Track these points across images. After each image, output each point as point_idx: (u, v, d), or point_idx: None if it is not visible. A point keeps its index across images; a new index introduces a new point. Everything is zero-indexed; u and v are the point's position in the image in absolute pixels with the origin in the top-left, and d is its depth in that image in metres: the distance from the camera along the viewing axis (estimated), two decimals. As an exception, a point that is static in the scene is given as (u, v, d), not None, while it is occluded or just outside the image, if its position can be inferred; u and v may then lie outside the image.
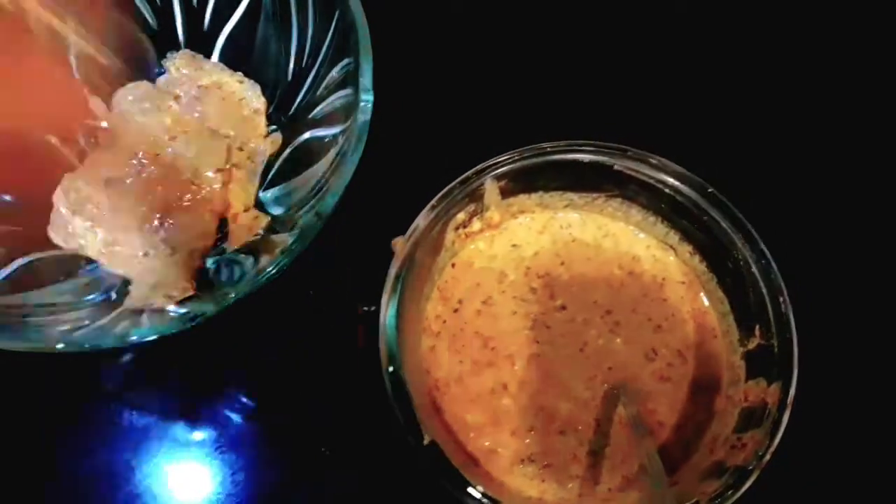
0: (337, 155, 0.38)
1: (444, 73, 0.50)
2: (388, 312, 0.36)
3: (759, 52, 0.52)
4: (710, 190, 0.38)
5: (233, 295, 0.34)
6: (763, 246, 0.37)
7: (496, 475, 0.36)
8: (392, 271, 0.37)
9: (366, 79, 0.37)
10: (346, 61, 0.39)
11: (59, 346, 0.35)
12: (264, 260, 0.37)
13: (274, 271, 0.35)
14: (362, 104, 0.36)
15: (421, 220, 0.38)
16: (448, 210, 0.39)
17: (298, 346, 0.44)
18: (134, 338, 0.34)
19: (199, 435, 0.42)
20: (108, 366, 0.43)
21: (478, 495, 0.32)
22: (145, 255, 0.41)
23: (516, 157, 0.39)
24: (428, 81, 0.49)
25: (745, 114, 0.50)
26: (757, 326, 0.37)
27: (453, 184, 0.39)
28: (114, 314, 0.38)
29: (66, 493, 0.40)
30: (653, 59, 0.51)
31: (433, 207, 0.38)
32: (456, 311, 0.40)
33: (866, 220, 0.47)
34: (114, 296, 0.41)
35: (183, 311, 0.34)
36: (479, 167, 0.39)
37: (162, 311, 0.38)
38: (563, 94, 0.50)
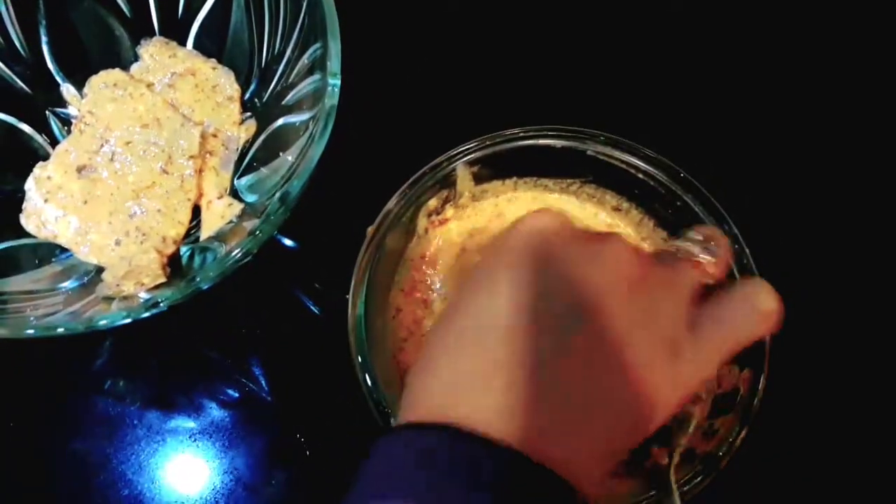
0: (307, 141, 0.38)
1: (416, 58, 0.50)
2: (356, 300, 0.36)
3: (731, 36, 0.51)
4: (682, 174, 0.38)
5: (198, 279, 0.34)
6: (736, 230, 0.37)
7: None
8: (361, 259, 0.37)
9: (333, 63, 0.36)
10: (315, 46, 0.39)
11: (29, 331, 0.35)
12: (233, 246, 0.37)
13: (239, 255, 0.35)
14: (329, 89, 0.36)
15: (391, 207, 0.38)
16: (419, 196, 0.38)
17: (273, 334, 0.44)
18: (102, 323, 0.34)
19: (175, 423, 0.42)
20: (84, 354, 0.43)
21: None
22: (117, 243, 0.41)
23: (488, 143, 0.39)
24: (401, 67, 0.49)
25: (717, 98, 0.49)
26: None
27: (424, 169, 0.38)
28: (85, 301, 0.38)
29: (42, 480, 0.41)
30: (624, 44, 0.51)
31: (403, 193, 0.38)
32: (426, 296, 0.40)
33: (840, 205, 0.47)
34: (87, 283, 0.41)
35: (147, 296, 0.34)
36: (450, 153, 0.39)
37: (133, 297, 0.38)
38: (536, 79, 0.49)
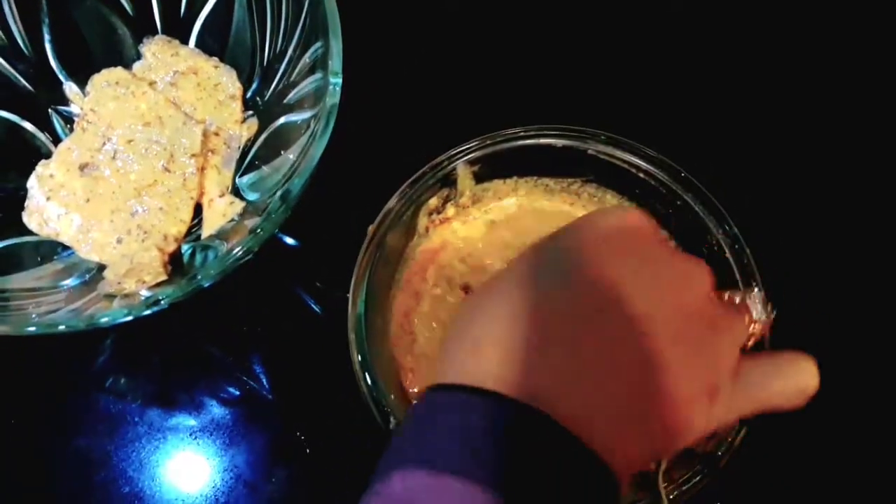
0: (308, 139, 0.38)
1: (417, 57, 0.50)
2: (357, 299, 0.36)
3: (731, 35, 0.51)
4: (683, 174, 0.38)
5: (199, 277, 0.34)
6: (736, 230, 0.37)
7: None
8: (361, 258, 0.37)
9: (334, 62, 0.36)
10: (316, 45, 0.39)
11: (31, 328, 0.35)
12: (234, 244, 0.37)
13: (240, 253, 0.35)
14: (331, 87, 0.36)
15: (391, 205, 0.38)
16: (420, 195, 0.39)
17: (274, 333, 0.44)
18: (103, 320, 0.34)
19: (176, 421, 0.42)
20: (85, 352, 0.44)
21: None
22: (119, 241, 0.41)
23: (489, 142, 0.39)
24: (402, 66, 0.49)
25: (717, 98, 0.49)
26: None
27: (424, 168, 0.39)
28: (87, 298, 0.39)
29: (43, 477, 0.41)
30: (625, 43, 0.51)
31: (404, 192, 0.38)
32: (426, 294, 0.40)
33: (840, 205, 0.46)
34: (88, 281, 0.41)
35: (148, 294, 0.34)
36: (451, 152, 0.39)
37: (134, 295, 0.38)
38: (536, 79, 0.49)
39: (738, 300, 0.30)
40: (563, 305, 0.25)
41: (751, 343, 0.30)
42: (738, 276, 0.36)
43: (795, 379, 0.28)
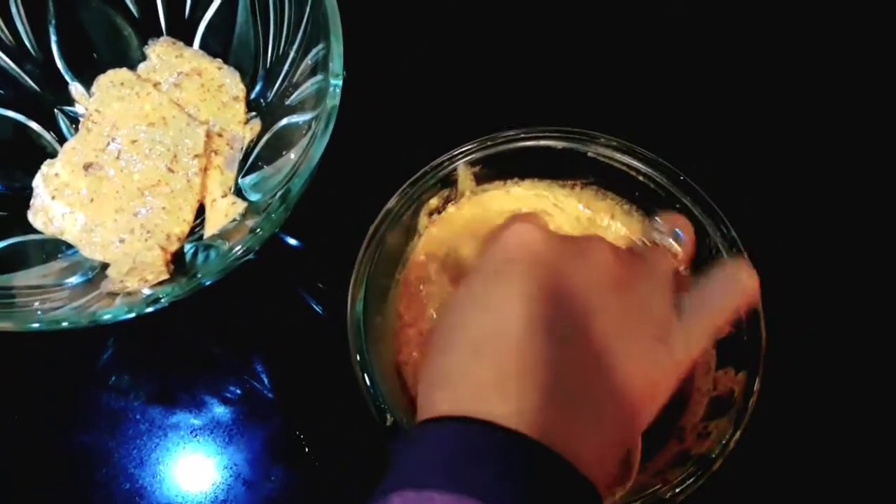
0: (309, 140, 0.38)
1: (418, 58, 0.50)
2: (356, 299, 0.36)
3: (730, 38, 0.52)
4: (682, 177, 0.38)
5: (200, 276, 0.35)
6: (734, 233, 0.37)
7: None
8: (360, 258, 0.37)
9: (335, 64, 0.37)
10: (318, 48, 0.39)
11: (34, 325, 0.35)
12: (235, 243, 0.37)
13: (241, 252, 0.35)
14: (331, 89, 0.36)
15: (391, 205, 0.38)
16: (420, 195, 0.39)
17: (275, 332, 0.44)
18: (105, 318, 0.35)
19: (177, 419, 0.42)
20: (88, 350, 0.44)
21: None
22: (122, 240, 0.42)
23: (489, 143, 0.39)
24: (403, 67, 0.49)
25: (717, 101, 0.49)
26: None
27: (425, 168, 0.39)
28: (90, 296, 0.39)
29: (45, 474, 0.41)
30: (625, 46, 0.51)
31: (404, 192, 0.38)
32: (425, 295, 0.40)
33: (839, 208, 0.46)
34: (92, 279, 0.41)
35: (149, 292, 0.35)
36: (451, 152, 0.39)
37: (136, 293, 0.38)
38: (537, 81, 0.50)
39: (649, 241, 0.31)
40: (512, 342, 0.26)
41: (684, 266, 0.32)
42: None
43: (731, 281, 0.29)
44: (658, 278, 0.29)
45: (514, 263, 0.28)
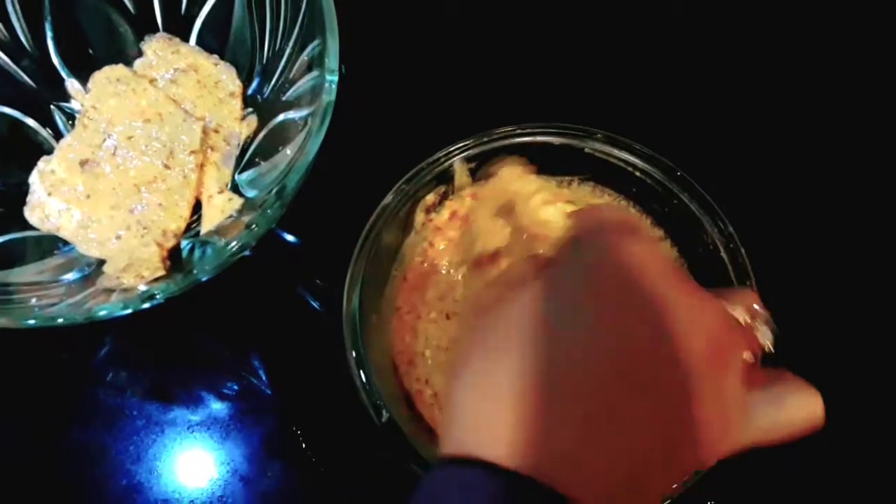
0: (305, 137, 0.38)
1: (415, 54, 0.50)
2: (351, 295, 0.36)
3: (729, 34, 0.51)
4: (679, 173, 0.38)
5: (195, 272, 0.35)
6: (731, 229, 0.37)
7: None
8: (356, 254, 0.37)
9: (331, 60, 0.37)
10: (314, 44, 0.39)
11: (30, 321, 0.35)
12: (230, 239, 0.37)
13: (236, 248, 0.35)
14: (327, 85, 0.36)
15: (387, 201, 0.38)
16: (416, 191, 0.39)
17: (272, 329, 0.44)
18: (101, 314, 0.35)
19: (174, 415, 0.42)
20: (86, 346, 0.44)
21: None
22: (118, 236, 0.42)
23: (485, 139, 0.39)
24: (400, 63, 0.49)
25: (713, 96, 0.49)
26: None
27: (421, 165, 0.39)
28: (87, 292, 0.39)
29: (41, 470, 0.41)
30: (622, 42, 0.51)
31: (400, 188, 0.38)
32: (423, 292, 0.40)
33: (837, 204, 0.46)
34: (88, 275, 0.41)
35: (145, 288, 0.35)
36: (448, 149, 0.39)
37: (132, 290, 0.38)
38: (534, 76, 0.50)
39: (743, 320, 0.28)
40: (578, 368, 0.23)
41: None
42: (732, 274, 0.37)
43: (807, 415, 0.27)
44: (742, 366, 0.26)
45: (595, 270, 0.25)
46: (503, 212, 0.38)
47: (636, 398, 0.23)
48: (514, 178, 0.39)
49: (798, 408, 0.28)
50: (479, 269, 0.38)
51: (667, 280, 0.25)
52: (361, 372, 0.35)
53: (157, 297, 0.34)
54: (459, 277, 0.40)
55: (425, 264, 0.41)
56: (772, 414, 0.27)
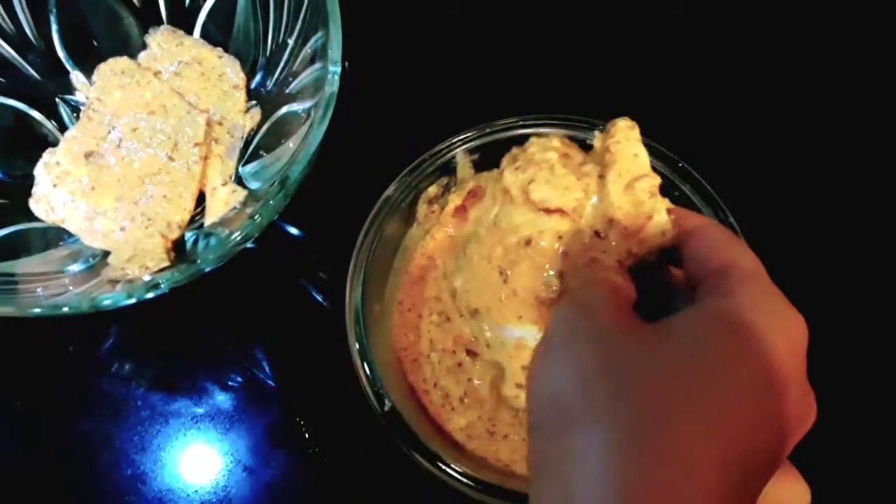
0: (308, 128, 0.38)
1: (418, 46, 0.50)
2: (354, 286, 0.36)
3: (731, 26, 0.51)
4: (680, 164, 0.38)
5: (199, 262, 0.35)
6: (733, 219, 0.37)
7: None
8: (359, 246, 0.37)
9: (334, 51, 0.37)
10: (317, 36, 0.39)
11: (36, 310, 0.35)
12: (234, 229, 0.37)
13: (239, 239, 0.35)
14: (330, 76, 0.36)
15: (389, 193, 0.38)
16: (419, 182, 0.39)
17: (276, 321, 0.44)
18: (105, 303, 0.35)
19: (178, 405, 0.42)
20: (91, 337, 0.44)
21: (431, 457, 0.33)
22: (123, 228, 0.42)
23: (488, 130, 0.39)
24: (402, 55, 0.49)
25: (715, 89, 0.49)
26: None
27: (424, 156, 0.39)
28: (91, 283, 0.39)
29: (46, 459, 0.41)
30: (625, 34, 0.51)
31: (403, 180, 0.38)
32: (420, 285, 0.40)
33: (838, 197, 0.46)
34: (93, 266, 0.41)
35: (149, 278, 0.35)
36: (450, 140, 0.39)
37: (137, 280, 0.39)
38: (538, 68, 0.50)
39: None
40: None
41: None
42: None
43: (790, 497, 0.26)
44: None
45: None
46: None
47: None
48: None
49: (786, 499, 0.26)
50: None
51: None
52: (365, 363, 0.35)
53: (162, 286, 0.34)
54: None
55: (426, 257, 0.41)
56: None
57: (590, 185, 0.30)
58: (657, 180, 0.29)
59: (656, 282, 0.29)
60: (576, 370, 0.23)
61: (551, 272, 0.30)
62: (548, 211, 0.31)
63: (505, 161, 0.34)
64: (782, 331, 0.23)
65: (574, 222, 0.30)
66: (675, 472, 0.20)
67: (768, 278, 0.25)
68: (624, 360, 0.22)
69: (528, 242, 0.31)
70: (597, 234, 0.30)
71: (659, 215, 0.28)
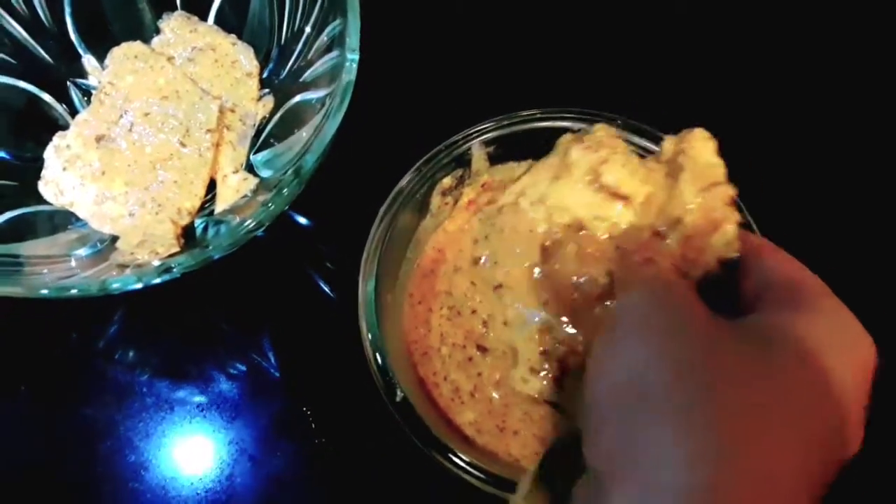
0: (323, 117, 0.38)
1: (435, 37, 0.50)
2: (367, 277, 0.36)
3: (739, 22, 0.51)
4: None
5: (210, 248, 0.34)
6: (747, 215, 0.37)
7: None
8: (372, 236, 0.37)
9: (352, 39, 0.37)
10: (335, 24, 0.39)
11: (44, 291, 0.35)
12: (245, 216, 0.37)
13: (252, 226, 0.35)
14: (347, 64, 0.36)
15: (404, 184, 0.38)
16: (433, 174, 0.39)
17: (284, 310, 0.44)
18: (114, 286, 0.34)
19: (183, 393, 0.42)
20: (97, 323, 0.44)
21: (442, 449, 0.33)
22: (132, 213, 0.42)
23: (505, 123, 0.39)
24: (419, 45, 0.49)
25: (722, 80, 0.49)
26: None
27: (439, 147, 0.39)
28: (99, 268, 0.39)
29: (50, 444, 0.41)
30: (645, 28, 0.51)
31: (418, 170, 0.38)
32: (431, 278, 0.40)
33: (843, 194, 0.46)
34: (101, 250, 0.41)
35: (158, 262, 0.35)
36: (466, 131, 0.39)
37: (146, 265, 0.38)
38: (555, 61, 0.49)
39: None
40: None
41: None
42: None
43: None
44: None
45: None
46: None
47: None
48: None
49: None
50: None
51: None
52: (376, 353, 0.35)
53: (174, 270, 0.34)
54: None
55: (436, 251, 0.40)
56: None
57: (658, 182, 0.29)
58: (734, 192, 0.28)
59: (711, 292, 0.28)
60: (653, 362, 0.22)
61: (598, 265, 0.29)
62: (615, 196, 0.29)
63: (565, 140, 0.33)
64: (854, 349, 0.24)
65: (636, 215, 0.29)
66: (764, 487, 0.20)
67: (837, 297, 0.25)
68: (704, 359, 0.22)
69: (579, 227, 0.29)
70: (657, 233, 0.28)
71: (730, 225, 0.27)
